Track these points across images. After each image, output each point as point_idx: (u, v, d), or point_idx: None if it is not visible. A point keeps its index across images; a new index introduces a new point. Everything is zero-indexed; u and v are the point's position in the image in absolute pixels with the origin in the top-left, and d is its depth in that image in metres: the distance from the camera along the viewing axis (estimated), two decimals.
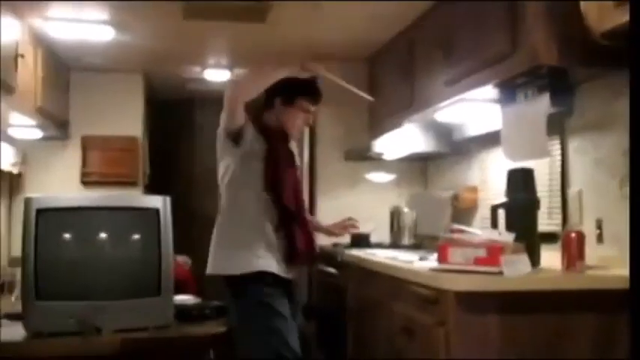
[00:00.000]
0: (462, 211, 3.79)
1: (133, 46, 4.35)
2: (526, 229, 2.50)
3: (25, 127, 4.22)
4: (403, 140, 3.98)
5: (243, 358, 2.74)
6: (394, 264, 2.79)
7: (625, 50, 2.10)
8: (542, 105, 2.65)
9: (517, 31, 2.52)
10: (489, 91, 2.86)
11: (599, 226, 2.60)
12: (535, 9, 2.41)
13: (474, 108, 3.19)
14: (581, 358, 2.20)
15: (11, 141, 4.44)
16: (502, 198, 2.66)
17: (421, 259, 2.82)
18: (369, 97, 3.10)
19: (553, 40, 2.36)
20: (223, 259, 2.78)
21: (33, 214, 2.92)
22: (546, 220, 2.86)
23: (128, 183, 5.13)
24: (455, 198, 3.86)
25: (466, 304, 2.15)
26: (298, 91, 2.85)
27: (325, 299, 4.05)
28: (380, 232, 4.16)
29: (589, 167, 2.71)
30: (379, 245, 3.98)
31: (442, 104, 3.24)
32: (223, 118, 2.74)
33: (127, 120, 5.18)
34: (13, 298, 3.51)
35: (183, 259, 4.87)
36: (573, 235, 2.38)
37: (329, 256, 3.91)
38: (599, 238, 2.59)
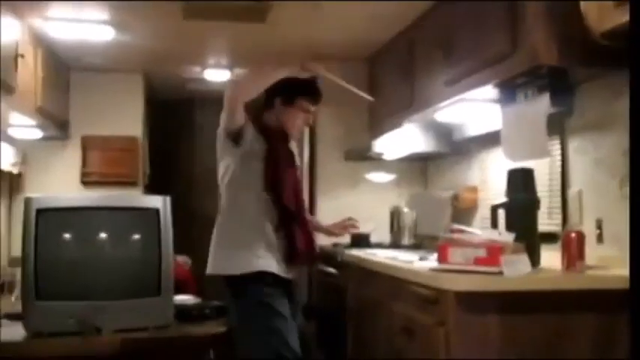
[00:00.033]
0: (462, 211, 3.79)
1: (133, 46, 4.35)
2: (526, 229, 2.50)
3: (25, 127, 4.22)
4: (403, 140, 3.98)
5: (244, 358, 2.74)
6: (394, 264, 2.79)
7: (625, 50, 2.10)
8: (542, 105, 2.65)
9: (517, 31, 2.52)
10: (489, 91, 2.86)
11: (599, 226, 2.60)
12: (535, 9, 2.41)
13: (474, 108, 3.19)
14: (581, 358, 2.20)
15: (11, 141, 4.44)
16: (502, 198, 2.66)
17: (421, 259, 2.82)
18: (369, 97, 3.11)
19: (553, 40, 2.36)
20: (223, 259, 2.78)
21: (33, 214, 2.92)
22: (546, 220, 2.85)
23: (128, 183, 5.13)
24: (455, 198, 3.86)
25: (466, 304, 2.15)
26: (298, 91, 2.85)
27: (325, 299, 4.05)
28: (380, 232, 4.16)
29: (589, 167, 2.71)
30: (379, 245, 3.98)
31: (442, 104, 3.24)
32: (223, 118, 2.74)
33: (127, 120, 5.18)
34: (13, 298, 3.51)
35: (183, 259, 4.87)
36: (573, 235, 2.38)
37: (329, 256, 3.91)
38: (599, 238, 2.59)
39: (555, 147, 2.91)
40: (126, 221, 3.16)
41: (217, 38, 4.39)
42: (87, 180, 5.05)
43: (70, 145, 5.05)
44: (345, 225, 3.20)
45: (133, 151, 5.17)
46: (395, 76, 4.00)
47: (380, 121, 4.25)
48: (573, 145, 2.83)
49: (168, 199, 3.11)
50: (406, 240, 4.05)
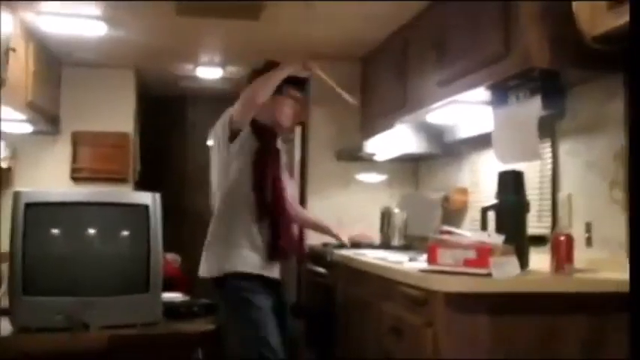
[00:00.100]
0: (453, 213, 3.79)
1: (125, 41, 4.34)
2: (516, 231, 2.50)
3: (15, 121, 4.19)
4: (395, 141, 3.98)
5: (232, 356, 2.74)
6: (384, 264, 2.79)
7: (617, 54, 2.11)
8: (533, 107, 2.66)
9: (510, 32, 2.52)
10: (481, 92, 2.87)
11: (588, 229, 2.61)
12: (528, 9, 2.41)
13: (466, 110, 3.20)
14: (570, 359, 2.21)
15: (1, 135, 4.41)
16: (492, 200, 2.66)
17: (411, 259, 2.82)
18: (355, 102, 3.10)
19: (546, 42, 2.36)
20: (211, 260, 2.80)
21: (21, 208, 2.90)
22: (536, 223, 2.86)
23: (118, 179, 5.11)
24: (445, 199, 3.86)
25: (455, 305, 2.15)
26: (285, 79, 2.87)
27: (315, 299, 4.04)
28: (371, 233, 4.16)
29: (580, 170, 2.72)
30: (369, 245, 3.98)
31: (434, 105, 3.24)
32: (236, 113, 2.76)
33: (118, 116, 5.16)
34: (0, 294, 3.48)
35: (172, 257, 4.86)
36: (562, 238, 2.39)
37: (319, 256, 3.90)
38: (589, 242, 2.60)
39: (546, 150, 2.91)
40: (115, 217, 3.15)
41: (210, 36, 4.38)
42: (77, 176, 5.03)
43: (60, 141, 5.02)
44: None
45: (123, 147, 5.15)
46: (388, 76, 4.00)
47: (372, 121, 4.25)
48: (564, 147, 2.84)
49: (157, 195, 3.10)
50: (396, 241, 4.06)
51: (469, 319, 2.15)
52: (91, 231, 3.08)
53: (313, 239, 4.15)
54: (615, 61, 2.22)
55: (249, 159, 2.78)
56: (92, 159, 5.06)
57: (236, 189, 2.78)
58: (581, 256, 2.45)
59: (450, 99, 3.05)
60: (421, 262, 2.55)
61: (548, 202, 2.89)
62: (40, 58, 4.22)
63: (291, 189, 3.25)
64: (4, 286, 3.40)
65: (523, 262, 2.41)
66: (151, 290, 3.04)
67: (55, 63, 4.75)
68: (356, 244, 3.74)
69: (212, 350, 3.04)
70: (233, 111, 2.78)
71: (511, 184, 2.61)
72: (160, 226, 3.08)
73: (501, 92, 2.82)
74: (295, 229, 3.44)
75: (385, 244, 4.03)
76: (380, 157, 4.29)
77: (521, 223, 2.57)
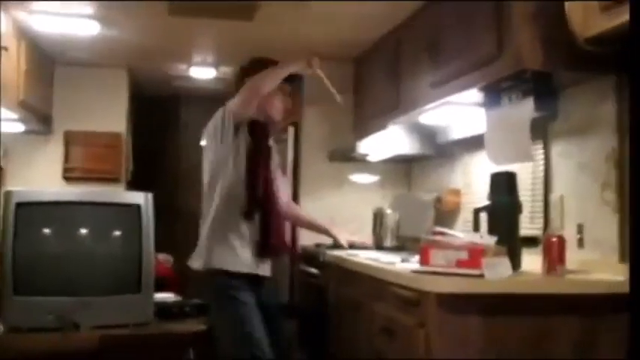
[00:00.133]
0: (445, 214, 3.80)
1: (118, 41, 4.33)
2: (508, 232, 2.51)
3: (7, 120, 4.16)
4: (388, 142, 3.98)
5: (223, 356, 2.74)
6: (376, 265, 2.79)
7: (609, 56, 2.11)
8: (526, 109, 2.66)
9: (502, 33, 2.52)
10: (474, 94, 2.87)
11: (580, 230, 2.61)
12: (521, 9, 2.41)
13: (459, 111, 3.20)
14: None
15: None
16: (485, 201, 2.67)
17: (403, 260, 2.83)
18: (339, 100, 3.10)
19: (538, 43, 2.36)
20: (201, 254, 2.80)
21: (12, 207, 2.90)
22: (528, 224, 2.86)
23: (111, 179, 5.09)
24: (438, 200, 3.87)
25: (447, 305, 2.15)
26: None
27: (307, 299, 4.04)
28: (363, 233, 4.16)
29: (572, 172, 2.73)
30: (362, 246, 3.98)
31: (427, 107, 3.24)
32: (237, 104, 2.77)
33: (110, 116, 5.14)
34: None
35: (164, 257, 4.85)
36: (554, 239, 2.40)
37: (311, 257, 3.90)
38: (580, 243, 2.60)
39: (539, 151, 2.92)
40: (107, 217, 3.15)
41: (203, 36, 4.37)
42: (69, 175, 5.01)
43: (52, 140, 5.00)
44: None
45: (116, 147, 5.13)
46: (381, 76, 4.01)
47: (365, 122, 4.25)
48: (557, 149, 2.84)
49: (150, 195, 3.10)
50: (389, 241, 4.05)
51: (461, 319, 2.16)
52: (83, 231, 3.08)
53: (306, 239, 4.15)
54: (607, 63, 2.23)
55: (241, 156, 2.79)
56: (84, 159, 5.04)
57: (228, 185, 2.79)
58: (573, 257, 2.46)
59: (442, 100, 3.05)
60: (413, 263, 2.56)
61: (541, 204, 2.90)
62: (33, 57, 4.20)
63: (285, 187, 3.26)
64: None
65: (515, 263, 2.41)
66: (143, 290, 3.04)
67: (47, 62, 4.73)
68: (350, 245, 3.75)
69: (204, 350, 3.04)
70: (233, 105, 2.78)
71: (503, 185, 2.62)
72: (152, 226, 3.08)
73: (494, 94, 2.83)
74: (287, 227, 3.43)
75: (378, 245, 4.03)
76: (373, 157, 4.29)
77: (514, 224, 2.58)
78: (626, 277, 1.96)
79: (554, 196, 2.82)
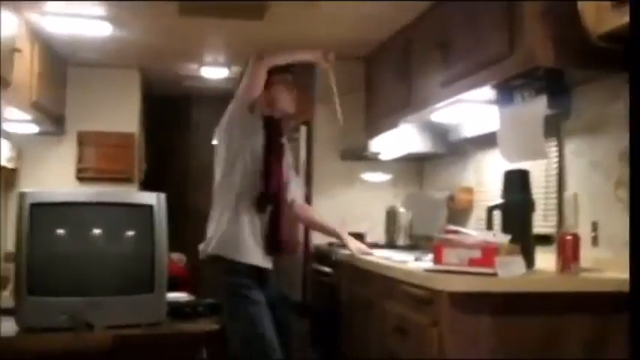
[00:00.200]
0: (458, 212, 3.78)
1: (130, 41, 4.34)
2: (521, 230, 2.50)
3: (20, 121, 4.20)
4: (399, 140, 3.97)
5: (235, 355, 2.75)
6: (388, 264, 2.78)
7: (621, 53, 2.09)
8: (539, 106, 2.65)
9: (514, 32, 2.51)
10: (486, 92, 2.86)
11: (594, 228, 2.60)
12: (532, 9, 2.40)
13: (471, 109, 3.18)
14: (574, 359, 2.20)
15: (6, 136, 4.43)
16: (498, 199, 2.66)
17: (416, 259, 2.82)
18: (340, 118, 3.13)
19: (550, 41, 2.35)
20: (210, 243, 2.81)
21: (27, 208, 2.91)
22: (542, 222, 2.85)
23: (123, 179, 5.12)
24: (450, 199, 3.85)
25: (460, 304, 2.14)
26: (269, 69, 2.90)
27: (319, 298, 4.04)
28: (375, 232, 4.15)
29: (585, 169, 2.71)
30: (374, 245, 3.97)
31: (439, 105, 3.23)
32: (245, 82, 2.81)
33: (123, 116, 5.16)
34: (7, 293, 3.49)
35: (178, 257, 4.87)
36: (568, 237, 2.38)
37: (323, 255, 3.90)
38: (595, 241, 2.59)
39: (552, 149, 2.90)
40: (120, 217, 3.16)
41: (214, 36, 4.37)
42: (82, 176, 5.04)
43: (65, 141, 5.03)
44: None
45: (128, 147, 5.16)
46: (392, 75, 4.00)
47: (376, 120, 4.24)
48: (570, 147, 2.83)
49: (162, 195, 3.10)
50: (402, 240, 4.05)
51: (474, 318, 2.15)
52: (96, 231, 3.09)
53: (319, 238, 4.14)
54: (619, 61, 2.21)
55: (255, 150, 2.82)
56: (97, 159, 5.06)
57: (241, 178, 2.81)
58: (587, 255, 2.45)
59: (454, 98, 3.04)
60: (426, 262, 2.55)
61: (554, 202, 2.88)
62: (45, 58, 4.23)
63: (297, 187, 3.26)
64: (10, 285, 3.41)
65: (529, 261, 2.40)
66: (156, 290, 3.04)
67: (60, 63, 4.76)
68: (352, 236, 3.76)
69: (217, 350, 3.04)
70: (241, 86, 2.82)
71: (517, 183, 2.60)
72: (165, 226, 3.09)
73: (506, 91, 2.81)
74: (300, 226, 3.42)
75: (390, 244, 4.02)
76: (385, 156, 4.28)
77: (527, 222, 2.56)
78: None
79: (567, 194, 2.80)
